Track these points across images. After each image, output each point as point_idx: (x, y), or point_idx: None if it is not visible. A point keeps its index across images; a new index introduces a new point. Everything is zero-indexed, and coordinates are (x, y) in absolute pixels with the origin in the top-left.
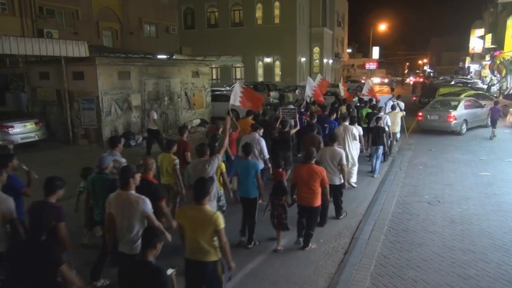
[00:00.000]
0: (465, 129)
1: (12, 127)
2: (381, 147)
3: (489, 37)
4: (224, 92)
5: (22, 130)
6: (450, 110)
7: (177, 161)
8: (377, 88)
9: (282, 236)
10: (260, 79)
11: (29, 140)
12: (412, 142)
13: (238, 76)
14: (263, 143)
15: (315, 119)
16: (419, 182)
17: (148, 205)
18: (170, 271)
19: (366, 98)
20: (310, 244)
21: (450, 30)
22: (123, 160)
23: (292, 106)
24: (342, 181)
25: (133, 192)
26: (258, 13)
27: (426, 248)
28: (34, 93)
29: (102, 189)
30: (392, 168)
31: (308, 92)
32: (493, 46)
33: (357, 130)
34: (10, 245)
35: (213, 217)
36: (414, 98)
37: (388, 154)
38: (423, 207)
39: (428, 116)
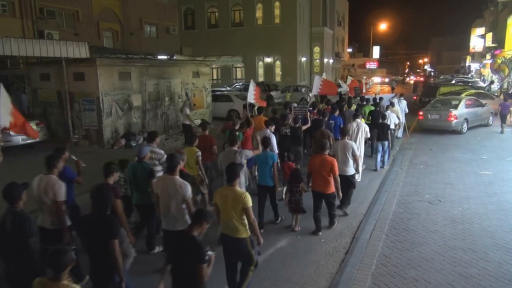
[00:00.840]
0: (466, 128)
1: None
2: (386, 142)
3: (489, 36)
4: (225, 92)
5: None
6: (451, 109)
7: (199, 153)
8: (378, 87)
9: (298, 221)
10: (261, 79)
11: (30, 141)
12: (412, 141)
13: (239, 76)
14: (274, 138)
15: (327, 117)
16: (420, 182)
17: (189, 190)
18: (210, 253)
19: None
20: (336, 222)
21: (451, 29)
22: (162, 152)
23: (295, 105)
24: (354, 172)
25: (178, 177)
26: (258, 13)
27: (427, 248)
28: (35, 94)
29: (142, 175)
30: (393, 168)
31: (314, 91)
32: (493, 45)
33: (367, 127)
34: (82, 218)
35: (241, 196)
36: (415, 98)
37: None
38: (424, 206)
39: (429, 115)
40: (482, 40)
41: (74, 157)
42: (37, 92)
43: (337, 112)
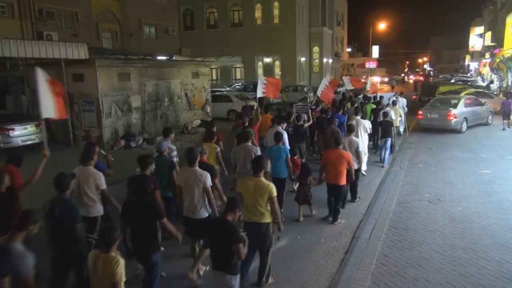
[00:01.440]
0: (465, 127)
1: (13, 129)
2: (389, 139)
3: (488, 35)
4: (224, 92)
5: (22, 133)
6: (450, 108)
7: (219, 149)
8: (378, 86)
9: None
10: None
11: (29, 142)
12: (412, 140)
13: (238, 76)
14: (285, 135)
15: (330, 115)
16: (420, 181)
17: (209, 179)
18: (243, 234)
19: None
20: (339, 219)
21: (450, 29)
22: (174, 147)
23: (301, 103)
24: (359, 166)
25: (197, 168)
26: (258, 13)
27: (426, 247)
28: (35, 95)
29: (163, 168)
30: (393, 167)
31: (319, 91)
32: (492, 44)
33: (368, 123)
34: (126, 203)
35: (269, 186)
36: (414, 97)
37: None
38: (424, 205)
39: (428, 114)
40: (481, 39)
41: (103, 152)
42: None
43: (341, 110)
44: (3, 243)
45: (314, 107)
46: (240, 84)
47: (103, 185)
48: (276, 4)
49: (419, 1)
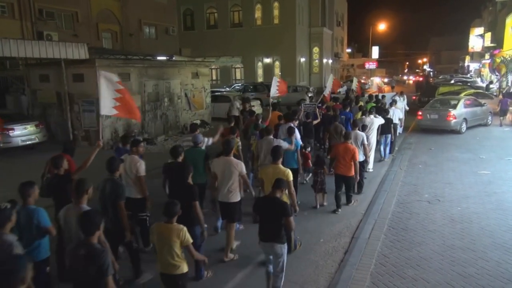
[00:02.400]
0: (465, 128)
1: (13, 129)
2: (389, 135)
3: (488, 35)
4: (224, 93)
5: (22, 133)
6: (450, 109)
7: (240, 143)
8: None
9: (319, 198)
10: (260, 79)
11: (29, 142)
12: (412, 141)
13: (238, 77)
14: (297, 130)
15: (333, 112)
16: (419, 181)
17: (244, 167)
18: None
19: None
20: (353, 201)
21: (450, 29)
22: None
23: (309, 103)
24: (364, 158)
25: (232, 157)
26: (257, 14)
27: (426, 247)
28: (34, 95)
29: (199, 158)
30: (392, 167)
31: (326, 91)
32: (492, 44)
33: (380, 120)
34: (171, 187)
35: (286, 171)
36: (414, 98)
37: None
38: (423, 206)
39: (428, 115)
40: (481, 40)
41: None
42: (37, 93)
43: (348, 108)
44: (74, 206)
45: (320, 105)
46: (240, 84)
47: (141, 172)
48: (276, 4)
49: (419, 2)
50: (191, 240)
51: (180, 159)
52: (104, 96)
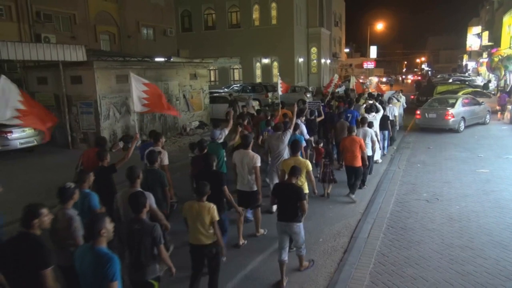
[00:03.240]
0: (463, 127)
1: (11, 132)
2: (387, 131)
3: (486, 34)
4: (223, 94)
5: (21, 135)
6: (448, 108)
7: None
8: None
9: (329, 188)
10: (258, 80)
11: (28, 145)
12: (410, 140)
13: (236, 77)
14: (303, 126)
15: (337, 110)
16: (418, 180)
17: (259, 160)
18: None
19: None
20: (365, 186)
21: (448, 28)
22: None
23: (313, 101)
24: (372, 153)
25: (251, 151)
26: (255, 15)
27: (424, 246)
28: (33, 98)
29: (217, 151)
30: (391, 167)
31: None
32: (490, 43)
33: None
34: (200, 172)
35: (305, 162)
36: (412, 97)
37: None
38: (422, 205)
39: (426, 114)
40: (479, 38)
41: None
42: (35, 95)
43: (352, 106)
44: (129, 190)
45: (323, 104)
46: (238, 85)
47: (165, 161)
48: (274, 5)
49: (416, 1)
50: (217, 218)
51: (205, 151)
52: (134, 95)
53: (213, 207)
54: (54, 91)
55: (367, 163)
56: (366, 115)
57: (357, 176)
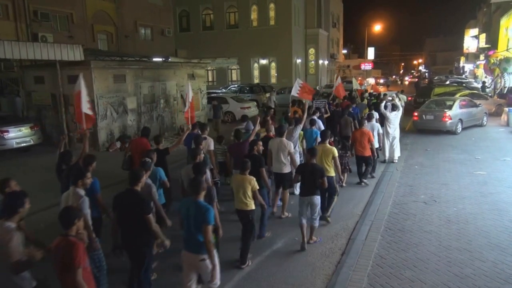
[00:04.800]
0: (460, 129)
1: (7, 131)
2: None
3: (483, 36)
4: (220, 94)
5: (17, 135)
6: (445, 110)
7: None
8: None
9: (345, 177)
10: (256, 80)
11: (24, 144)
12: (408, 142)
13: (234, 78)
14: (320, 122)
15: (341, 108)
16: (415, 182)
17: (292, 146)
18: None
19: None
20: (374, 173)
21: (445, 30)
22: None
23: (319, 100)
24: (378, 145)
25: (284, 139)
26: (253, 15)
27: (422, 248)
28: (29, 97)
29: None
30: (388, 169)
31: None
32: (487, 45)
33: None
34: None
35: (332, 149)
36: (410, 98)
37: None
38: (419, 207)
39: (424, 116)
40: (476, 41)
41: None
42: (31, 95)
43: (355, 105)
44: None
45: (331, 102)
46: (236, 85)
47: (211, 147)
48: (272, 6)
49: (414, 3)
50: (258, 187)
51: (242, 140)
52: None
53: (254, 179)
54: (51, 91)
55: (375, 154)
56: (388, 113)
57: (367, 164)
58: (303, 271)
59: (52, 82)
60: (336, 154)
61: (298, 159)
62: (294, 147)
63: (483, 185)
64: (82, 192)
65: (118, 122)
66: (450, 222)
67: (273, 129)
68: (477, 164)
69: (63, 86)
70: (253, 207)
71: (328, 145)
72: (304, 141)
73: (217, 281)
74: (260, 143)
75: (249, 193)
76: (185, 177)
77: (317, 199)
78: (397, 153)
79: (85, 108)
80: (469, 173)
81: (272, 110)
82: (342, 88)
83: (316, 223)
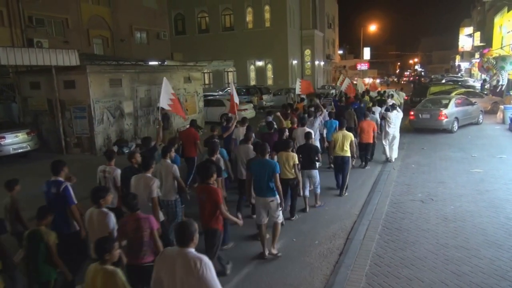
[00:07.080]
0: (456, 127)
1: (4, 137)
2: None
3: (477, 35)
4: (217, 96)
5: (13, 141)
6: (441, 109)
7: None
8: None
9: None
10: (253, 82)
11: (21, 150)
12: (404, 141)
13: (231, 80)
14: (326, 113)
15: (345, 103)
16: (412, 181)
17: (312, 134)
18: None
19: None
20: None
21: (440, 29)
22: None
23: (326, 98)
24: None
25: (306, 127)
26: (249, 17)
27: (420, 246)
28: (25, 103)
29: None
30: (385, 168)
31: (343, 87)
32: (482, 44)
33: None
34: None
35: (349, 134)
36: (406, 97)
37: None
38: (417, 205)
39: (420, 115)
40: (471, 39)
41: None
42: (28, 100)
43: (358, 101)
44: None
45: (337, 99)
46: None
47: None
48: (267, 8)
49: (408, 3)
50: (297, 162)
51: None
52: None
53: (295, 156)
54: (47, 96)
55: (375, 137)
56: (389, 113)
57: (370, 150)
58: (301, 271)
59: (48, 88)
60: (353, 138)
61: (318, 144)
62: (314, 135)
63: (480, 182)
64: (170, 162)
65: (115, 126)
66: (447, 220)
67: (296, 121)
68: (474, 162)
69: (59, 91)
70: (293, 176)
71: (346, 131)
72: (325, 130)
73: (280, 213)
74: (287, 133)
75: (291, 165)
76: (242, 151)
77: (315, 172)
78: (394, 155)
79: (164, 104)
80: (466, 171)
81: (294, 104)
82: (352, 88)
83: (318, 190)
